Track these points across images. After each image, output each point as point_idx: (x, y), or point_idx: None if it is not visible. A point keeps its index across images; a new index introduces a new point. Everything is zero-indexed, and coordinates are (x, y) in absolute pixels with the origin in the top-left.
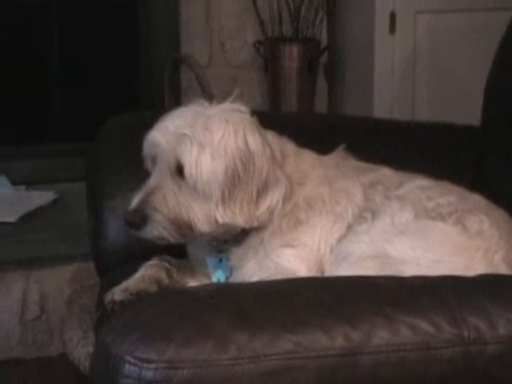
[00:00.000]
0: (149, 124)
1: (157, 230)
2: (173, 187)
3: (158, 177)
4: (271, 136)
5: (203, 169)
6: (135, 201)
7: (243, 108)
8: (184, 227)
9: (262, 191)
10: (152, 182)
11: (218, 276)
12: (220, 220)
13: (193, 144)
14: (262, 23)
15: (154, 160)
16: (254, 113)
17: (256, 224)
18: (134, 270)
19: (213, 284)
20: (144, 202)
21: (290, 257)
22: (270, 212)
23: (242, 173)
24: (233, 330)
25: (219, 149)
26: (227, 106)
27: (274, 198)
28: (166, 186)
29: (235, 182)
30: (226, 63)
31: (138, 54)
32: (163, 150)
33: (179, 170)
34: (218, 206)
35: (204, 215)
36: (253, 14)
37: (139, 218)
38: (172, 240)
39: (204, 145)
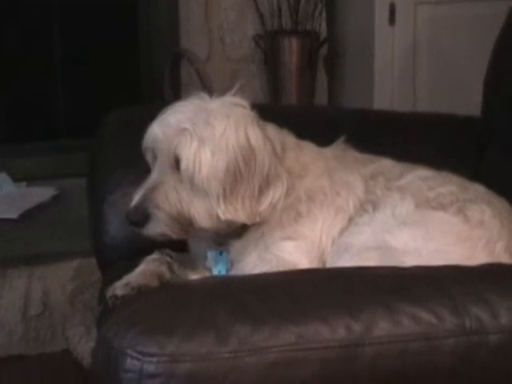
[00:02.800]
0: (149, 118)
1: (159, 227)
2: (174, 183)
3: (159, 172)
4: (271, 129)
5: (202, 164)
6: (136, 198)
7: (244, 102)
8: (186, 223)
9: (264, 187)
10: (153, 177)
11: (218, 269)
12: (222, 216)
13: (193, 139)
14: (261, 16)
15: (154, 154)
16: (254, 106)
17: (258, 220)
18: (135, 265)
19: (213, 277)
20: (145, 199)
21: (291, 249)
22: (272, 207)
23: (243, 169)
24: (234, 322)
25: (220, 145)
26: (228, 99)
27: (275, 193)
28: (167, 181)
29: (237, 178)
30: (226, 57)
31: (138, 49)
32: (163, 145)
33: (178, 165)
34: (219, 203)
35: (205, 211)
36: (252, 7)
37: (141, 216)
38: (174, 236)
39: (204, 140)
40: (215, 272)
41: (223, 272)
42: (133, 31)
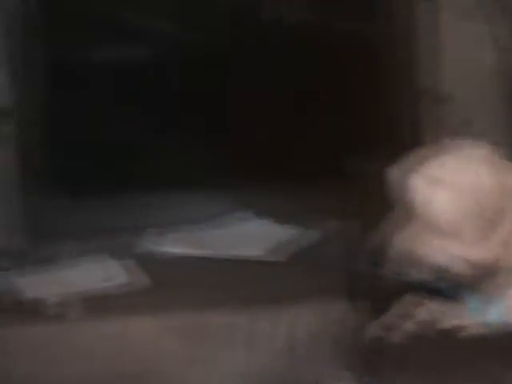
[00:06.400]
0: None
1: (395, 268)
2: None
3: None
4: None
5: (435, 204)
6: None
7: (483, 144)
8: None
9: (493, 223)
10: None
11: (481, 316)
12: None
13: (425, 180)
14: None
15: None
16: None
17: (491, 257)
18: (389, 306)
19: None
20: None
21: None
22: (504, 243)
23: (475, 207)
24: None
25: (452, 185)
26: (467, 142)
27: (504, 229)
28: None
29: (468, 216)
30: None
31: (376, 88)
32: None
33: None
34: (452, 243)
35: (439, 252)
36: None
37: (379, 257)
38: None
39: (437, 181)
40: (476, 319)
41: (485, 319)
42: (371, 67)
